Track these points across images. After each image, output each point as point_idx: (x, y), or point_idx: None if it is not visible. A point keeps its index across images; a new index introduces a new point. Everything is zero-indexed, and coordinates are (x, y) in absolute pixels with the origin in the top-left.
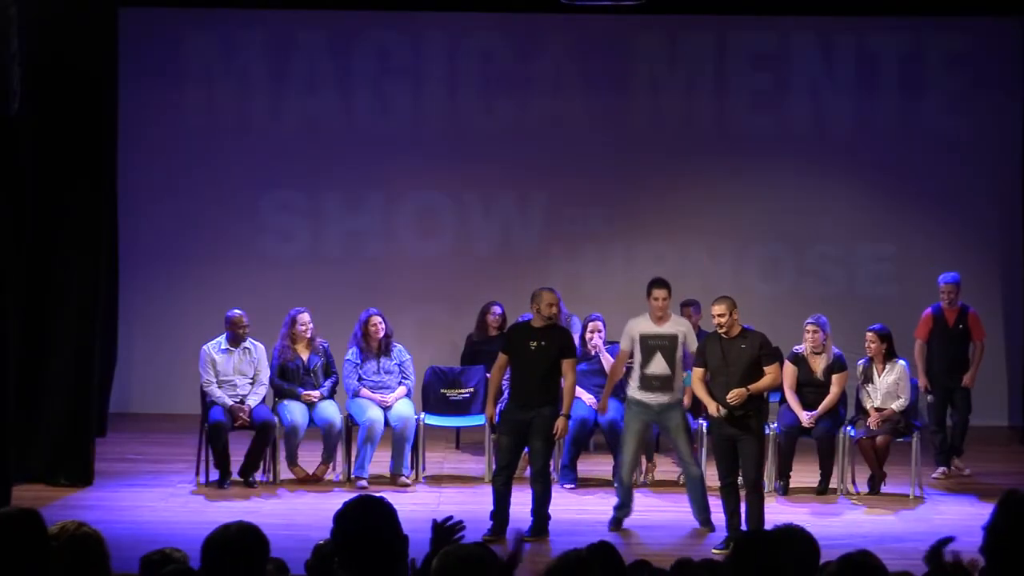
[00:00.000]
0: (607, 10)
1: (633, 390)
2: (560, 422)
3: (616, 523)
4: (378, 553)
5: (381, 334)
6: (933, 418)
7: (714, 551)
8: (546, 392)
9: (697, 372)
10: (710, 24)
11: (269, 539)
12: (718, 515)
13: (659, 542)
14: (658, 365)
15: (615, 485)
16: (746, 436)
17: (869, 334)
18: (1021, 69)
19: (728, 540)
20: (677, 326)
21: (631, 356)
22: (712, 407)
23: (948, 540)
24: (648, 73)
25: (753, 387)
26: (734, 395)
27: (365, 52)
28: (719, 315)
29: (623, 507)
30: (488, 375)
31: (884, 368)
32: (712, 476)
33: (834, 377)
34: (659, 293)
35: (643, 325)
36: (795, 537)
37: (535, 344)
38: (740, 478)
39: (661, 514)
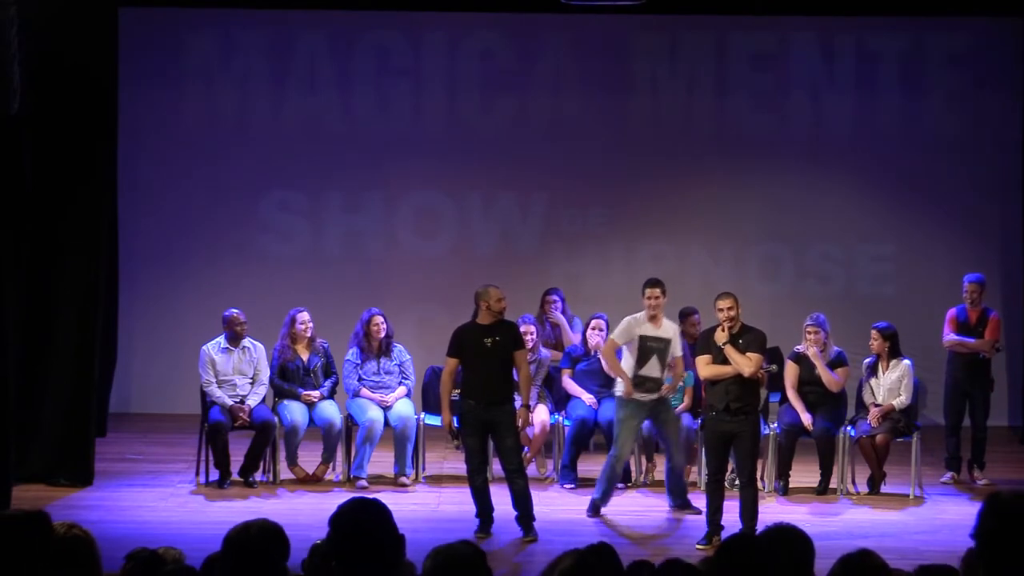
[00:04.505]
0: (607, 10)
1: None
2: (523, 413)
3: (596, 508)
4: (374, 554)
5: (383, 334)
6: (948, 421)
7: (698, 546)
8: (508, 387)
9: (704, 359)
10: (710, 24)
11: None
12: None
13: (659, 542)
14: (653, 367)
15: (601, 478)
16: (742, 433)
17: (873, 332)
18: (1021, 69)
19: (710, 535)
20: (670, 330)
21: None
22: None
23: None
24: (648, 73)
25: (730, 350)
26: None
27: (365, 52)
28: (728, 308)
29: (605, 496)
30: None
31: (888, 366)
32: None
33: (836, 370)
34: (652, 292)
35: (644, 326)
36: (789, 536)
37: (490, 340)
38: (728, 475)
39: (661, 514)
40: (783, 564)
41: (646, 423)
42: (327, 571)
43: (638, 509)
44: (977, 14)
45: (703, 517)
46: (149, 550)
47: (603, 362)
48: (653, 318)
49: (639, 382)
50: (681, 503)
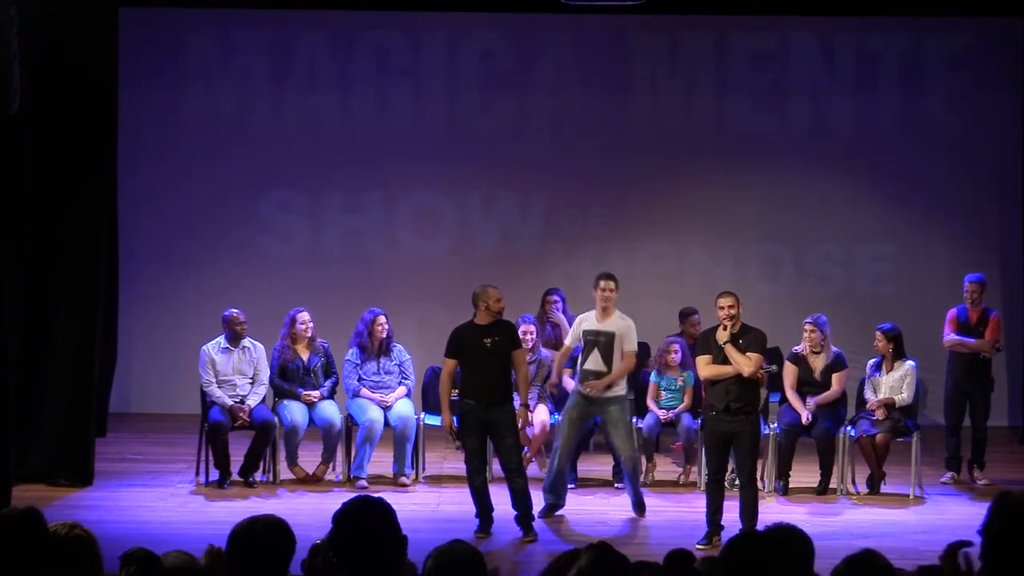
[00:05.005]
0: (607, 10)
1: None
2: (522, 413)
3: (549, 509)
4: (375, 554)
5: (384, 334)
6: (948, 421)
7: (698, 546)
8: (507, 387)
9: (704, 359)
10: (710, 24)
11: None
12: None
13: (659, 542)
14: (594, 361)
15: (547, 473)
16: (742, 433)
17: (878, 333)
18: (1021, 69)
19: (710, 535)
20: (617, 323)
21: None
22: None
23: (966, 543)
24: (648, 73)
25: (730, 349)
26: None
27: (365, 52)
28: (729, 306)
29: (554, 493)
30: None
31: (893, 366)
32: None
33: (834, 376)
34: (608, 284)
35: (588, 321)
36: (789, 536)
37: (489, 341)
38: (728, 475)
39: (661, 514)
40: (783, 564)
41: (598, 419)
42: (327, 570)
43: None
44: (977, 14)
45: (703, 517)
46: (144, 550)
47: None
48: (604, 310)
49: (583, 376)
50: (637, 503)
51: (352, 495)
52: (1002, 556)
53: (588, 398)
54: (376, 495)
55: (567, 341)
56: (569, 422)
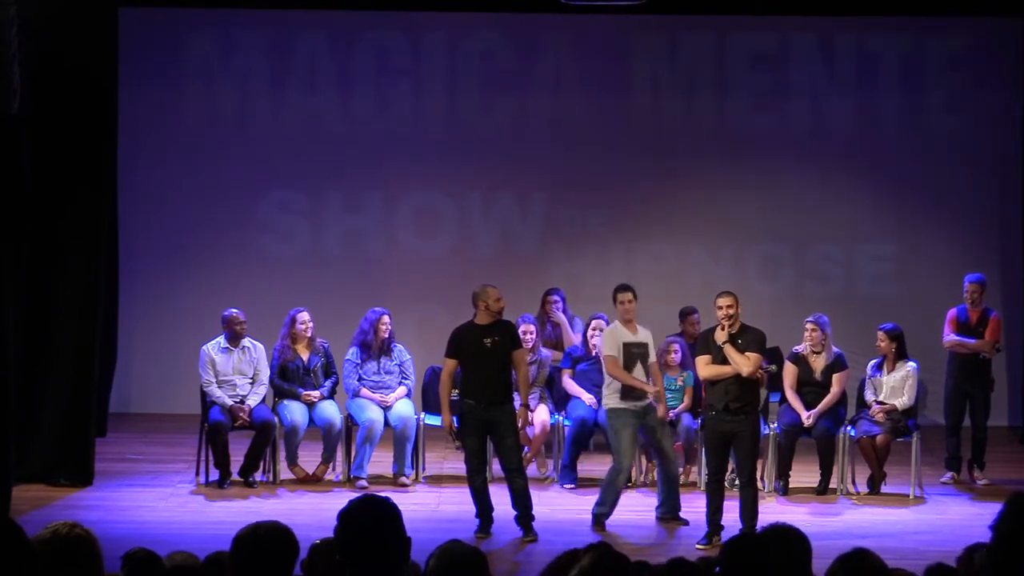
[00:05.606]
0: (607, 10)
1: (614, 400)
2: (522, 413)
3: (599, 520)
4: (379, 553)
5: (387, 335)
6: (948, 421)
7: (698, 546)
8: (508, 387)
9: (704, 359)
10: (710, 24)
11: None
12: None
13: (659, 542)
14: (639, 374)
15: (605, 490)
16: (742, 433)
17: (880, 333)
18: (1021, 69)
19: (710, 535)
20: (645, 334)
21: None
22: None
23: (982, 546)
24: (648, 73)
25: (729, 349)
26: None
27: (365, 52)
28: (728, 306)
29: (611, 509)
30: None
31: (894, 367)
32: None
33: (834, 376)
34: (627, 296)
35: (623, 334)
36: (787, 536)
37: (490, 341)
38: (728, 475)
39: None
40: (781, 564)
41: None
42: (331, 569)
43: (638, 509)
44: (977, 14)
45: (703, 517)
46: (145, 550)
47: (617, 380)
48: (628, 322)
49: (628, 390)
50: (673, 514)
51: (353, 495)
52: (1011, 558)
53: (634, 411)
54: (381, 495)
55: (613, 353)
56: (630, 440)
